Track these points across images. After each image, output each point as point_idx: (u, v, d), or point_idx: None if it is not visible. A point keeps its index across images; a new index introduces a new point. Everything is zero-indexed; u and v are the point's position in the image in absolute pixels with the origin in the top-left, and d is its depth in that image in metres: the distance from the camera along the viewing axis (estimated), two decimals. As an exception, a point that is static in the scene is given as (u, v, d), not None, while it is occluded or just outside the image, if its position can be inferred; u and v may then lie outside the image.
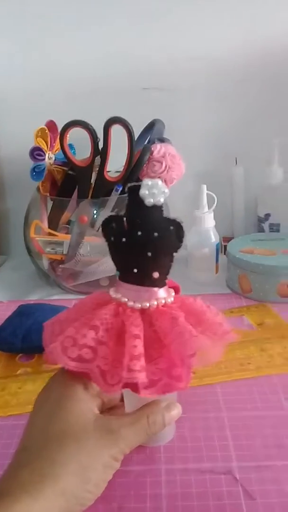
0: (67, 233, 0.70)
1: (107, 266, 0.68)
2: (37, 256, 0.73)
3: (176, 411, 0.38)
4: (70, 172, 0.71)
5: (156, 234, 0.35)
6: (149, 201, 0.36)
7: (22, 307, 0.60)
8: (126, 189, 0.36)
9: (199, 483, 0.38)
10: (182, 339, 0.35)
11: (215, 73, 0.80)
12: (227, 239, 0.80)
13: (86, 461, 0.32)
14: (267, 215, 0.82)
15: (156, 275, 0.36)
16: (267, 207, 0.82)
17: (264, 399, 0.47)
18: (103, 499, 0.36)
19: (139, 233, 0.36)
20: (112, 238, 0.37)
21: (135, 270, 0.37)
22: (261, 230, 0.83)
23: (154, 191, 0.36)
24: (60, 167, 0.72)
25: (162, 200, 0.36)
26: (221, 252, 0.77)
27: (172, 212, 0.78)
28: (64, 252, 0.69)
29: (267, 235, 0.80)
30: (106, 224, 0.37)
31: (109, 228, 0.37)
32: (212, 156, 0.84)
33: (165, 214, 0.36)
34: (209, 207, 0.73)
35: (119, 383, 0.34)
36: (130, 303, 0.37)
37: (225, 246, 0.76)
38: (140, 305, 0.37)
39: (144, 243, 0.36)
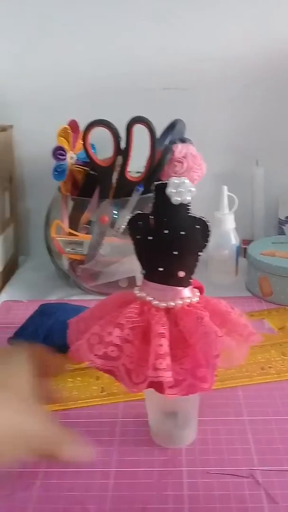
0: (87, 233, 0.70)
1: (127, 267, 0.68)
2: (57, 256, 0.73)
3: None
4: (91, 172, 0.71)
5: (182, 232, 0.35)
6: (176, 199, 0.36)
7: (43, 306, 0.60)
8: (152, 187, 0.36)
9: (221, 486, 0.38)
10: (208, 339, 0.35)
11: (236, 73, 0.80)
12: (246, 242, 0.79)
13: None
14: (288, 218, 0.81)
15: (181, 274, 0.36)
16: (288, 209, 0.81)
17: (285, 404, 0.47)
18: (127, 499, 0.37)
19: (166, 231, 0.36)
20: (138, 236, 0.37)
21: (161, 269, 0.37)
22: (281, 233, 0.82)
23: (181, 189, 0.36)
24: (81, 167, 0.72)
25: (189, 198, 0.36)
26: (241, 255, 0.77)
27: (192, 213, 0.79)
28: (84, 253, 0.70)
29: (288, 237, 0.79)
30: (133, 222, 0.37)
31: (136, 226, 0.37)
32: (233, 157, 0.84)
33: (191, 213, 0.36)
34: (229, 209, 0.73)
35: (144, 381, 0.34)
36: (155, 302, 0.37)
37: (245, 249, 0.76)
38: (165, 304, 0.37)
39: (170, 241, 0.36)
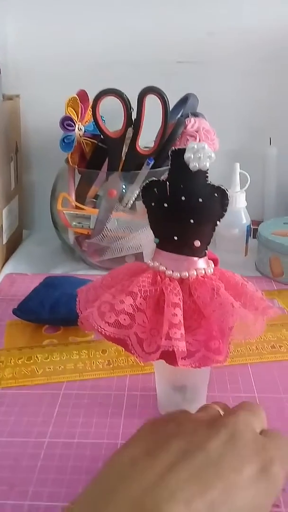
0: (94, 207, 0.68)
1: (134, 243, 0.67)
2: (63, 230, 0.72)
3: None
4: (100, 144, 0.69)
5: (200, 200, 0.34)
6: (194, 165, 0.34)
7: (48, 278, 0.58)
8: (169, 153, 0.35)
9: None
10: (223, 310, 0.33)
11: (251, 47, 0.78)
12: (256, 223, 0.77)
13: None
14: (300, 199, 0.79)
15: (197, 243, 0.35)
16: (300, 190, 0.79)
17: (297, 382, 0.46)
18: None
19: (183, 198, 0.34)
20: (153, 204, 0.35)
21: (176, 238, 0.35)
22: (292, 214, 0.81)
23: (199, 155, 0.34)
24: (89, 139, 0.70)
25: (207, 165, 0.34)
26: (251, 235, 0.75)
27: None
28: (91, 227, 0.68)
29: (300, 218, 0.77)
30: (147, 188, 0.36)
31: (151, 193, 0.35)
32: (246, 134, 0.82)
33: (209, 180, 0.34)
34: (241, 187, 0.71)
35: (156, 351, 0.32)
36: (169, 272, 0.35)
37: (255, 230, 0.74)
38: (179, 274, 0.35)
39: (187, 209, 0.34)
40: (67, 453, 0.37)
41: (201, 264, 0.36)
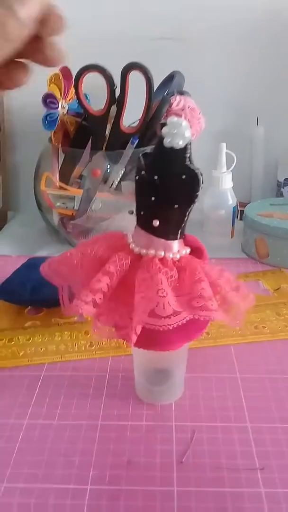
0: (79, 188, 0.67)
1: (118, 223, 0.66)
2: (47, 211, 0.70)
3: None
4: (84, 123, 0.68)
5: (165, 178, 0.33)
6: (168, 141, 0.32)
7: (31, 260, 0.58)
8: (158, 125, 0.33)
9: (211, 441, 0.37)
10: (145, 295, 0.33)
11: (238, 26, 0.76)
12: (243, 205, 0.77)
13: None
14: (287, 180, 0.78)
15: (155, 223, 0.34)
16: (288, 171, 0.78)
17: (279, 363, 0.46)
18: (112, 453, 0.35)
19: (143, 173, 0.33)
20: (136, 176, 0.34)
21: (142, 213, 0.34)
22: (280, 195, 0.80)
23: (174, 131, 0.32)
24: (73, 117, 0.69)
25: (180, 143, 0.32)
26: (237, 217, 0.74)
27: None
28: (75, 208, 0.67)
29: (287, 199, 0.76)
30: (138, 160, 0.35)
31: (137, 164, 0.34)
32: (233, 114, 0.80)
33: (187, 161, 0.33)
34: (227, 167, 0.70)
35: (130, 329, 0.32)
36: (132, 246, 0.35)
37: (241, 212, 0.73)
38: (137, 250, 0.35)
39: (148, 185, 0.33)
40: (45, 435, 0.37)
41: (168, 246, 0.34)
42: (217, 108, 0.79)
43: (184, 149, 0.32)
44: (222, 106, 0.80)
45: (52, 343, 0.48)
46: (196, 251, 0.37)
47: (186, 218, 0.34)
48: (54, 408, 0.40)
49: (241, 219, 0.72)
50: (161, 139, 0.33)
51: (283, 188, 0.79)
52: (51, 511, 0.31)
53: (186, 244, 0.36)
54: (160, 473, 0.34)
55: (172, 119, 0.33)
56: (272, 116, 0.79)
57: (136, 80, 0.62)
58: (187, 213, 0.34)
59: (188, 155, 0.33)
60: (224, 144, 0.69)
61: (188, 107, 0.67)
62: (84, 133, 0.68)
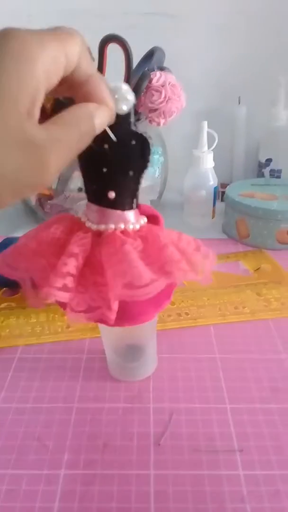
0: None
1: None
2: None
3: (108, 113, 0.28)
4: (60, 99, 0.65)
5: (106, 146, 0.31)
6: None
7: (6, 239, 0.56)
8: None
9: (190, 424, 0.36)
10: (119, 268, 0.31)
11: (222, 2, 0.74)
12: (224, 186, 0.76)
13: None
14: (269, 161, 0.77)
15: (111, 194, 0.32)
16: (269, 151, 0.77)
17: (259, 343, 0.45)
18: (88, 436, 0.34)
19: (93, 144, 0.31)
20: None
21: (94, 187, 0.32)
22: (261, 176, 0.79)
23: (116, 96, 0.30)
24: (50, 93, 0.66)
25: (124, 108, 0.30)
26: (218, 198, 0.73)
27: (169, 152, 0.74)
28: (53, 187, 0.65)
29: (269, 180, 0.75)
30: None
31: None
32: (214, 93, 0.79)
33: (135, 127, 0.31)
34: (209, 147, 0.69)
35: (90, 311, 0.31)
36: (88, 224, 0.33)
37: (223, 193, 0.72)
38: (95, 227, 0.33)
39: (98, 156, 0.31)
40: (19, 419, 0.36)
41: (126, 218, 0.33)
42: (199, 86, 0.77)
43: (128, 114, 0.30)
44: (204, 84, 0.78)
45: (27, 325, 0.47)
46: (153, 219, 0.35)
47: (139, 185, 0.33)
48: (29, 391, 0.39)
49: (222, 200, 0.71)
50: None
51: (265, 168, 0.78)
52: (23, 498, 0.30)
53: (142, 213, 0.35)
54: (137, 456, 0.33)
55: (112, 83, 0.31)
56: (254, 96, 0.77)
57: (115, 55, 0.59)
58: (140, 180, 0.32)
59: (132, 120, 0.31)
60: (206, 122, 0.67)
61: (169, 83, 0.66)
62: (61, 110, 0.65)
